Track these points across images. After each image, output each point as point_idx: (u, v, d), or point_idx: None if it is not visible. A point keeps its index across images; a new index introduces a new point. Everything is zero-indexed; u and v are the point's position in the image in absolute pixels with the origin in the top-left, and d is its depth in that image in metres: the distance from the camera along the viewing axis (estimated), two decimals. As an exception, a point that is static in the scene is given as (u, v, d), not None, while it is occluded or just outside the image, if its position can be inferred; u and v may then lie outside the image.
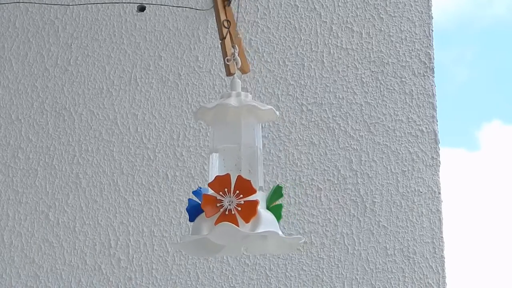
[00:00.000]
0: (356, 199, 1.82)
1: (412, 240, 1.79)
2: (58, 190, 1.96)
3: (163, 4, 1.99)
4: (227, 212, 1.17)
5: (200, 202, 1.21)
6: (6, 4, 2.06)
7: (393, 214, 1.80)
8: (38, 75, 2.04)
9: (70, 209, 1.95)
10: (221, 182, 1.18)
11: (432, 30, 1.88)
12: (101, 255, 1.91)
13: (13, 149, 2.01)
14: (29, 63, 2.05)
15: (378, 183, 1.82)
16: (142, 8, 2.03)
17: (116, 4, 2.02)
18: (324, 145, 1.86)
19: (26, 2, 2.04)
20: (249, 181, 1.18)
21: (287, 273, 1.81)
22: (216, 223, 1.16)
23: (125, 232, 1.91)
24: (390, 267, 1.78)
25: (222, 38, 1.48)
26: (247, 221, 1.16)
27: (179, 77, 1.97)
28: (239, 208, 1.17)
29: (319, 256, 1.81)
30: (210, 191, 1.19)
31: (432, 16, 1.89)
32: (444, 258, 1.78)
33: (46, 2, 2.02)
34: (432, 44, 1.87)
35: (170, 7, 1.99)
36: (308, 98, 1.89)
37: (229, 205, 1.17)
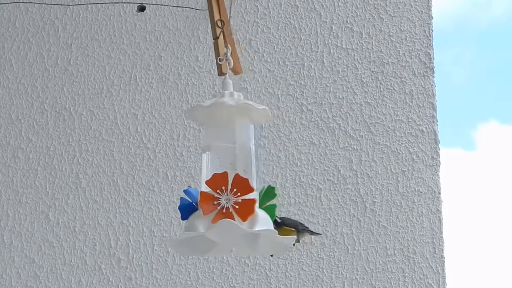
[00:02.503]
0: (356, 199, 1.82)
1: (412, 240, 1.79)
2: (58, 190, 1.96)
3: (163, 4, 1.99)
4: (224, 210, 1.16)
5: (191, 201, 1.21)
6: (6, 4, 2.06)
7: (393, 214, 1.80)
8: (38, 75, 2.04)
9: (70, 209, 1.95)
10: (218, 180, 1.18)
11: (432, 30, 1.88)
12: (101, 255, 1.91)
13: (13, 149, 2.01)
14: (29, 63, 2.05)
15: (378, 183, 1.82)
16: (142, 8, 2.03)
17: (116, 4, 2.02)
18: (324, 145, 1.86)
19: (26, 2, 2.04)
20: (247, 179, 1.18)
21: (287, 273, 1.81)
22: (213, 220, 1.16)
23: (125, 232, 1.91)
24: (390, 267, 1.78)
25: (215, 38, 1.48)
26: (244, 219, 1.16)
27: (179, 77, 1.97)
28: (237, 206, 1.16)
29: (319, 256, 1.81)
30: (207, 189, 1.19)
31: (432, 16, 1.89)
32: (444, 258, 1.78)
33: (46, 2, 2.02)
34: (432, 44, 1.87)
35: (170, 7, 1.99)
36: (308, 98, 1.89)
37: (227, 203, 1.17)
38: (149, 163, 1.93)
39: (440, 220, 1.79)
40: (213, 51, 1.95)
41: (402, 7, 1.90)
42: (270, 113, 1.26)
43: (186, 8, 1.98)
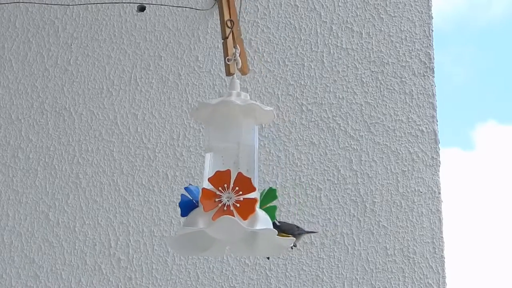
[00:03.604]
0: (356, 199, 1.82)
1: (412, 240, 1.79)
2: (58, 190, 1.96)
3: (163, 4, 1.99)
4: (225, 208, 1.16)
5: (191, 198, 1.21)
6: (6, 4, 2.06)
7: (393, 214, 1.80)
8: (38, 75, 2.04)
9: (70, 209, 1.95)
10: (221, 177, 1.18)
11: (432, 30, 1.88)
12: (101, 255, 1.91)
13: (13, 149, 2.01)
14: (29, 63, 2.05)
15: (378, 183, 1.82)
16: (142, 8, 2.03)
17: (116, 4, 2.02)
18: (324, 145, 1.86)
19: (26, 2, 2.04)
20: (249, 178, 1.18)
21: (287, 273, 1.81)
22: (214, 217, 1.16)
23: (125, 232, 1.91)
24: (390, 267, 1.78)
25: (224, 38, 1.48)
26: (244, 218, 1.16)
27: (179, 77, 1.97)
28: (238, 205, 1.16)
29: (319, 256, 1.81)
30: (209, 186, 1.19)
31: (432, 16, 1.89)
32: (444, 258, 1.78)
33: (46, 2, 2.02)
34: (432, 44, 1.87)
35: (170, 7, 1.99)
36: (308, 98, 1.89)
37: (228, 201, 1.17)
38: (149, 163, 1.93)
39: (440, 220, 1.79)
40: (213, 51, 1.96)
41: (402, 7, 1.90)
42: (274, 114, 1.27)
43: (186, 8, 1.98)
